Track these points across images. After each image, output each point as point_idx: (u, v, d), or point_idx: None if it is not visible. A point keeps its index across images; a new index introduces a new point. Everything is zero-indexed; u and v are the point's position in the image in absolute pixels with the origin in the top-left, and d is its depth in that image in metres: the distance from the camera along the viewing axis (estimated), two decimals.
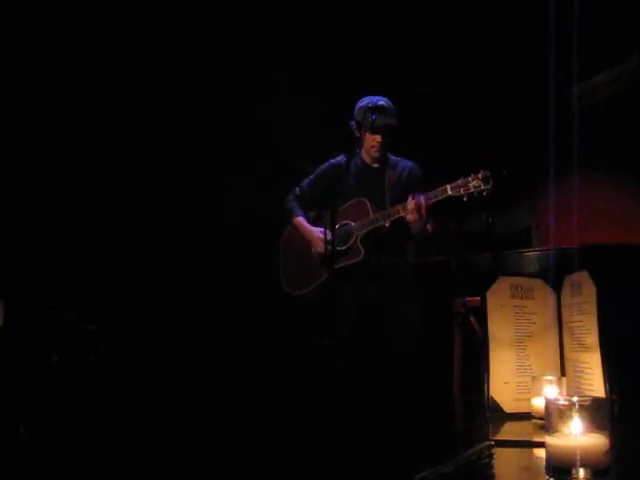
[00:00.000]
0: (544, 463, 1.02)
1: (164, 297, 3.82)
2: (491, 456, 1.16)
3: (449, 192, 2.76)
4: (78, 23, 3.79)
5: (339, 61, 3.93)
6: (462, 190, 2.73)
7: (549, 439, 1.00)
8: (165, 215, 4.02)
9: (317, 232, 3.09)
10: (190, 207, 4.11)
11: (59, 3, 3.73)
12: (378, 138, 2.98)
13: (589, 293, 1.53)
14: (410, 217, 2.81)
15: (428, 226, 2.95)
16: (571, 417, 0.98)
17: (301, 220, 3.20)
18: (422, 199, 2.79)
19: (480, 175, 2.71)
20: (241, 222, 4.01)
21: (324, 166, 3.21)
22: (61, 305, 3.27)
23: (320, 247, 3.01)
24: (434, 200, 2.79)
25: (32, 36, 3.72)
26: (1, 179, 3.63)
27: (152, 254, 3.95)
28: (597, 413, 0.99)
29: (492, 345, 1.69)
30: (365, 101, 2.99)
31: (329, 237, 2.81)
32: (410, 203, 2.79)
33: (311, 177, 3.24)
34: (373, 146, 3.01)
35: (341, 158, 3.14)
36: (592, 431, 0.98)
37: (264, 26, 4.01)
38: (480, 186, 2.70)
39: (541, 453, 1.11)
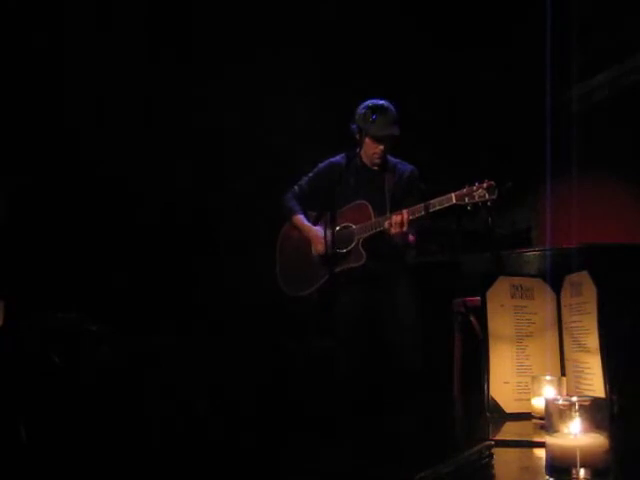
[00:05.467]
0: (544, 463, 1.02)
1: (165, 297, 3.82)
2: (491, 456, 1.16)
3: (454, 201, 2.75)
4: (77, 21, 3.79)
5: (339, 61, 3.93)
6: (467, 199, 2.73)
7: (549, 439, 1.00)
8: (165, 215, 4.02)
9: (317, 231, 3.08)
10: (190, 208, 4.10)
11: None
12: (381, 147, 2.98)
13: (589, 293, 1.53)
14: (392, 230, 2.83)
15: (410, 237, 2.96)
16: (571, 417, 0.98)
17: (301, 218, 3.19)
18: (405, 212, 2.80)
19: (485, 185, 2.71)
20: (242, 222, 4.01)
21: (323, 165, 3.21)
22: (61, 305, 3.27)
23: (320, 247, 3.01)
24: (438, 207, 2.79)
25: (31, 32, 3.72)
26: (1, 179, 3.63)
27: (152, 254, 3.95)
28: (597, 413, 0.99)
29: (492, 345, 1.69)
30: (367, 106, 2.99)
31: (329, 237, 2.81)
32: (394, 218, 2.81)
33: (310, 176, 3.24)
34: (375, 153, 3.01)
35: (341, 157, 3.14)
36: (592, 431, 0.98)
37: (265, 26, 4.01)
38: (485, 196, 2.70)
39: (541, 453, 1.11)
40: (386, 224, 2.85)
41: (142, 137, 3.94)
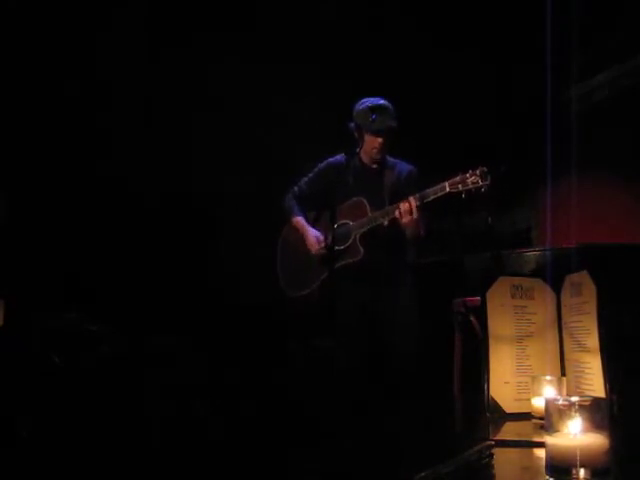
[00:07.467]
0: (544, 463, 1.02)
1: (165, 297, 3.82)
2: (491, 456, 1.16)
3: (447, 189, 2.75)
4: (77, 20, 3.79)
5: (339, 61, 3.93)
6: (460, 187, 2.73)
7: (549, 439, 1.00)
8: (166, 215, 4.02)
9: (314, 234, 3.10)
10: (191, 208, 4.11)
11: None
12: (380, 140, 2.98)
13: (589, 293, 1.52)
14: (404, 220, 2.82)
15: (421, 230, 2.95)
16: (571, 417, 0.98)
17: (300, 220, 3.20)
18: (412, 199, 2.79)
19: (478, 171, 2.72)
20: (242, 223, 4.01)
21: (322, 165, 3.21)
22: (61, 305, 3.27)
23: (314, 248, 3.04)
24: (432, 197, 2.79)
25: (31, 32, 3.72)
26: (1, 179, 3.63)
27: (153, 254, 3.95)
28: (597, 413, 0.98)
29: (492, 345, 1.69)
30: (365, 103, 2.99)
31: (328, 240, 2.82)
32: (402, 206, 2.79)
33: (310, 176, 3.24)
34: (375, 147, 3.00)
35: (340, 157, 3.14)
36: (592, 431, 0.97)
37: (265, 25, 4.01)
38: (478, 182, 2.71)
39: (541, 453, 1.11)
40: (396, 213, 2.83)
41: (142, 137, 3.94)
